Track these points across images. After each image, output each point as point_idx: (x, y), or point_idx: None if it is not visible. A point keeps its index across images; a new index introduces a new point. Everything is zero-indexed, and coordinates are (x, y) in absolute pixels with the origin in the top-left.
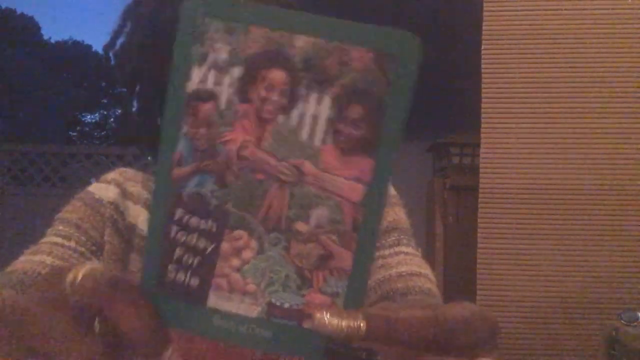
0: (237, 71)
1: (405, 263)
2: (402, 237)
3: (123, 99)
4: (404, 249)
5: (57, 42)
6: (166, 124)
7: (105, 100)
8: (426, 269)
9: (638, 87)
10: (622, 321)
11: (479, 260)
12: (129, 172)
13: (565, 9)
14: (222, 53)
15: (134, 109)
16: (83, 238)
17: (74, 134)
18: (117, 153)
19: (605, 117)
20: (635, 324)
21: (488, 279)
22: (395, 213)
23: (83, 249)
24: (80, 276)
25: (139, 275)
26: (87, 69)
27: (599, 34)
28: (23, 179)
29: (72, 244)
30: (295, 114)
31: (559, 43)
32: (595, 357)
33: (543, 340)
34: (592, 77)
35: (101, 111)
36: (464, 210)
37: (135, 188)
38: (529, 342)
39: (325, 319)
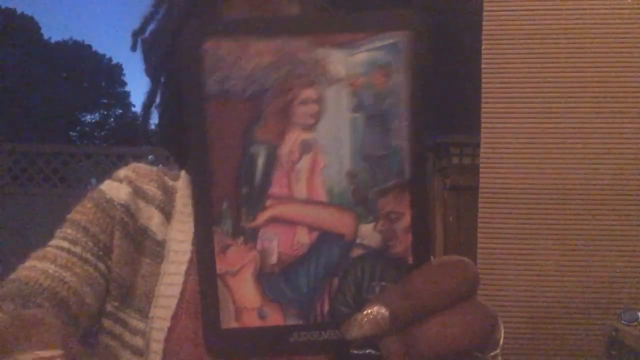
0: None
1: None
2: None
3: (149, 90)
4: None
5: (57, 42)
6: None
7: (105, 100)
8: None
9: (638, 87)
10: (622, 321)
11: (479, 260)
12: (143, 168)
13: (566, 9)
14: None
15: (157, 103)
16: (90, 243)
17: (74, 134)
18: (117, 153)
19: (606, 117)
20: (635, 324)
21: (488, 279)
22: None
23: (89, 255)
24: None
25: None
26: (87, 69)
27: (599, 34)
28: (23, 179)
29: (78, 249)
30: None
31: (559, 43)
32: (595, 357)
33: (543, 340)
34: (592, 77)
35: (101, 111)
36: (464, 210)
37: (149, 186)
38: (529, 342)
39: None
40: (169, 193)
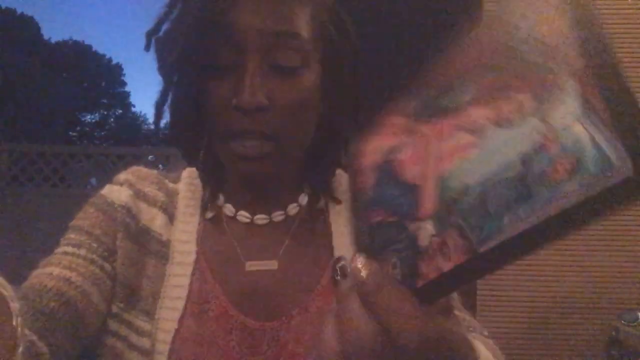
0: None
1: None
2: None
3: (161, 90)
4: None
5: (57, 42)
6: None
7: (105, 100)
8: None
9: (638, 87)
10: (622, 321)
11: None
12: (143, 171)
13: None
14: None
15: (168, 102)
16: (94, 245)
17: (74, 134)
18: (117, 153)
19: None
20: (635, 324)
21: (488, 278)
22: None
23: (94, 256)
24: None
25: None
26: (87, 69)
27: None
28: (23, 179)
29: (83, 251)
30: None
31: None
32: (595, 357)
33: (543, 340)
34: None
35: (101, 111)
36: None
37: (150, 189)
38: (529, 342)
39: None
40: (170, 195)
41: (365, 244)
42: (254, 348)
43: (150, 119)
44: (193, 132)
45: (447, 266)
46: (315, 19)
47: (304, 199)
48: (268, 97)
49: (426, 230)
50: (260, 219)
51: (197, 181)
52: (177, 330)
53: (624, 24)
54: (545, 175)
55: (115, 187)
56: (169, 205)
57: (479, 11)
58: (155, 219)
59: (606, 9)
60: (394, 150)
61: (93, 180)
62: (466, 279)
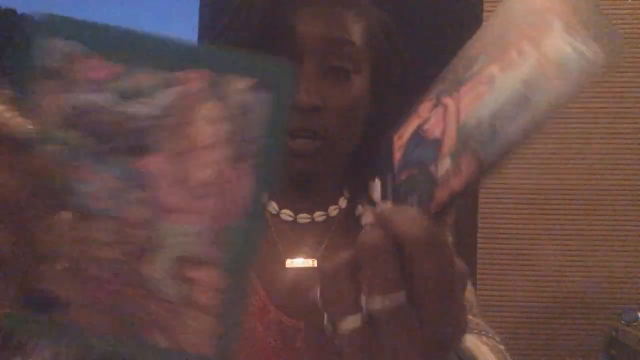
0: None
1: None
2: None
3: None
4: None
5: None
6: None
7: None
8: None
9: (638, 87)
10: (622, 321)
11: (479, 260)
12: None
13: None
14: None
15: None
16: None
17: None
18: None
19: (605, 118)
20: (635, 324)
21: (488, 279)
22: None
23: None
24: None
25: None
26: None
27: None
28: None
29: None
30: None
31: None
32: (595, 357)
33: (543, 340)
34: None
35: None
36: (464, 210)
37: None
38: (529, 342)
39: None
40: None
41: (393, 198)
42: (288, 344)
43: None
44: None
45: (459, 185)
46: (368, 29)
47: (343, 202)
48: (322, 98)
49: (444, 164)
50: (303, 218)
51: None
52: None
53: (624, 24)
54: (540, 85)
55: None
56: None
57: (480, 13)
58: None
59: (606, 9)
60: (422, 124)
61: None
62: (472, 190)
